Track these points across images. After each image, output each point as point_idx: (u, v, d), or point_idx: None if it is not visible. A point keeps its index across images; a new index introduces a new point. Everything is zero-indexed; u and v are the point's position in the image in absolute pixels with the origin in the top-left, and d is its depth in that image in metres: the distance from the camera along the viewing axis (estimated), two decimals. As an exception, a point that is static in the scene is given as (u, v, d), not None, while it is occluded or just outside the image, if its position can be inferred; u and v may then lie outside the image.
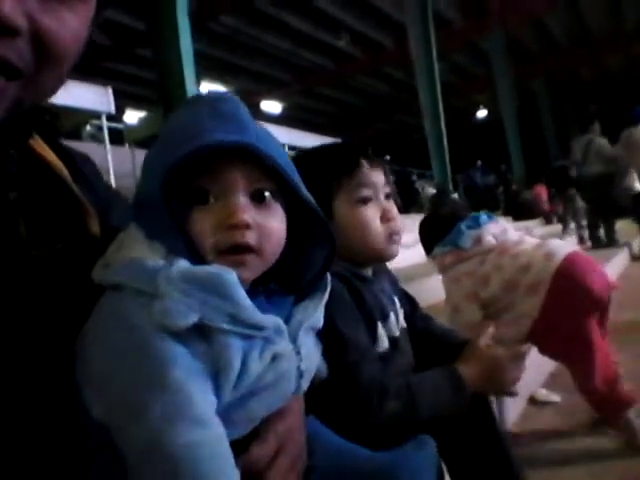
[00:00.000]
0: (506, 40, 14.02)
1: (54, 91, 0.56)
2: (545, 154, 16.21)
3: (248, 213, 0.54)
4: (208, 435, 0.47)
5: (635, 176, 6.02)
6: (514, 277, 1.72)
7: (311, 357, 0.60)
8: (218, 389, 0.50)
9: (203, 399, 0.48)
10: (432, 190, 10.80)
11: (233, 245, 0.54)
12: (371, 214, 0.98)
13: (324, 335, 0.69)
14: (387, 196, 1.02)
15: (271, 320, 0.54)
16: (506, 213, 10.50)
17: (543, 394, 2.10)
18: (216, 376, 0.50)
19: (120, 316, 0.50)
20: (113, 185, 0.76)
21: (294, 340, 0.57)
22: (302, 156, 1.09)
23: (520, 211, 10.09)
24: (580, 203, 7.21)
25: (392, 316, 1.01)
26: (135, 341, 0.49)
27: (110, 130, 6.68)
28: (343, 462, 0.68)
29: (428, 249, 1.95)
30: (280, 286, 0.62)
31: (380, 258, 1.03)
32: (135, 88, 13.60)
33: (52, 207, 0.57)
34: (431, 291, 2.90)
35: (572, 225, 7.99)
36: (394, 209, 1.02)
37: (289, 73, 15.40)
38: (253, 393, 0.53)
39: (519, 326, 1.71)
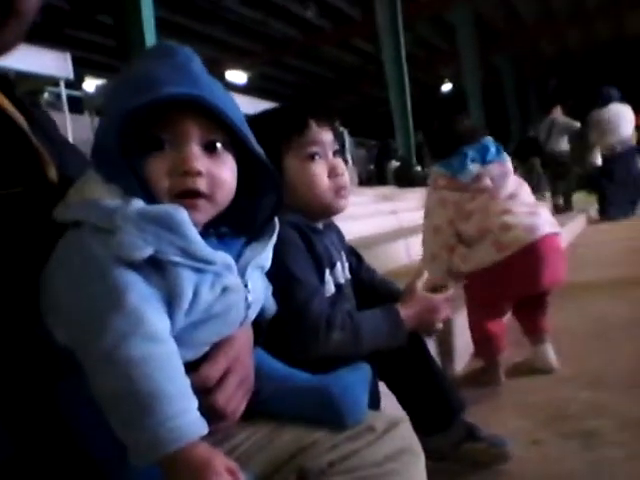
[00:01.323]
0: (472, 15, 14.07)
1: (15, 44, 0.62)
2: (507, 128, 16.49)
3: (200, 161, 0.60)
4: (160, 349, 0.53)
5: (598, 153, 6.90)
6: (492, 228, 1.86)
7: (258, 291, 0.68)
8: (172, 314, 0.56)
9: (157, 319, 0.54)
10: (396, 163, 10.91)
11: (185, 190, 0.59)
12: (319, 170, 1.06)
13: (277, 276, 0.78)
14: (335, 153, 1.10)
15: (220, 256, 0.60)
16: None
17: None
18: (170, 303, 0.56)
19: (80, 248, 0.56)
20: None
21: (242, 275, 0.64)
22: (255, 116, 1.15)
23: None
24: (540, 171, 7.88)
25: (339, 265, 1.11)
26: (94, 270, 0.54)
27: (69, 98, 6.54)
28: (284, 383, 0.76)
29: (433, 154, 2.06)
30: (233, 229, 0.68)
31: (329, 211, 1.11)
32: (95, 56, 13.21)
33: (11, 155, 0.62)
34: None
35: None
36: (342, 165, 1.10)
37: (255, 43, 15.14)
38: (205, 320, 0.61)
39: (465, 263, 1.90)
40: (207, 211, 0.62)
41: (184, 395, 0.53)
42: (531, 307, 2.03)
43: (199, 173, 0.60)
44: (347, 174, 1.11)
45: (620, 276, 3.62)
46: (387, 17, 10.31)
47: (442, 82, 19.49)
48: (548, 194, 7.80)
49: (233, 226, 0.69)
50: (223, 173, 0.62)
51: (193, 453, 0.51)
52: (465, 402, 1.30)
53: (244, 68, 16.20)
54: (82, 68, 10.01)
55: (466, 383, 1.96)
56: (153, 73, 0.59)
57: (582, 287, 3.30)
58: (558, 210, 7.21)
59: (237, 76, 16.98)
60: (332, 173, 1.08)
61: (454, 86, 18.42)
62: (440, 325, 1.19)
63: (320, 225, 1.13)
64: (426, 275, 1.22)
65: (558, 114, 7.34)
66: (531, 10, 15.12)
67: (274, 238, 0.71)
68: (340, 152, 1.15)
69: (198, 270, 0.58)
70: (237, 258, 0.65)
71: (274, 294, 0.81)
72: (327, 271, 1.07)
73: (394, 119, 10.76)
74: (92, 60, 13.02)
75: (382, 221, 5.32)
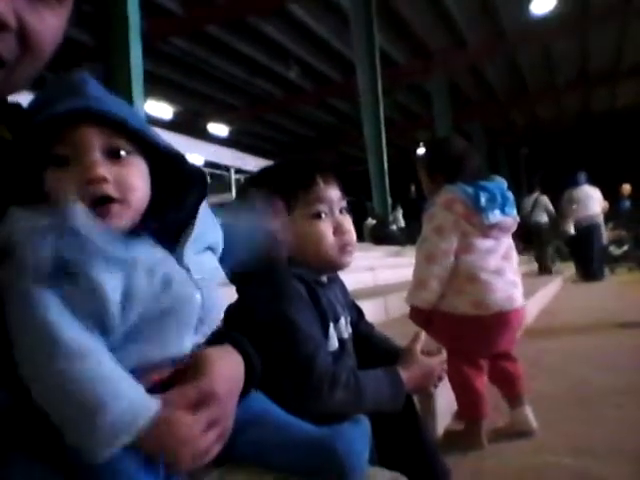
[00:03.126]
0: (448, 84, 14.71)
1: (28, 81, 0.64)
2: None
3: (103, 167, 0.61)
4: (82, 364, 0.54)
5: (571, 223, 8.64)
6: (479, 279, 1.85)
7: (204, 266, 0.68)
8: (100, 318, 0.57)
9: (74, 335, 0.55)
10: (372, 221, 11.10)
11: (94, 198, 0.60)
12: (325, 228, 1.07)
13: (281, 328, 0.78)
14: (342, 210, 1.11)
15: (142, 251, 0.62)
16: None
17: None
18: (93, 307, 0.57)
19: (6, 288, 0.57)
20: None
21: (180, 262, 0.65)
22: (261, 172, 1.18)
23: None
24: None
25: (342, 320, 1.11)
26: (16, 302, 0.56)
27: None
28: (288, 433, 0.75)
29: (436, 169, 1.96)
30: (163, 227, 0.67)
31: (334, 267, 1.12)
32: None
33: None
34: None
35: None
36: (348, 222, 1.11)
37: (239, 98, 15.50)
38: (158, 315, 0.61)
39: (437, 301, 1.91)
40: (123, 215, 0.62)
41: (118, 395, 0.55)
42: (506, 370, 2.04)
43: (104, 179, 0.61)
44: (353, 231, 1.13)
45: (597, 343, 3.69)
46: (367, 81, 10.69)
47: (417, 146, 20.12)
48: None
49: (164, 225, 0.68)
50: (131, 178, 0.63)
51: (153, 430, 0.56)
52: (450, 471, 1.28)
53: (226, 122, 16.50)
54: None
55: (446, 445, 1.94)
56: (47, 98, 0.62)
57: (560, 353, 3.34)
58: (541, 272, 8.91)
59: (219, 129, 17.28)
60: (338, 230, 1.09)
61: (429, 150, 18.95)
62: (434, 389, 1.20)
63: (325, 278, 1.14)
64: (423, 338, 1.23)
65: (538, 194, 9.02)
66: (503, 83, 15.90)
67: (203, 206, 0.70)
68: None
69: (120, 267, 0.59)
70: (172, 246, 0.66)
71: (276, 347, 0.81)
72: (331, 325, 1.07)
73: (371, 179, 10.99)
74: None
75: (359, 277, 5.35)
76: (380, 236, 10.06)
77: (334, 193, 1.10)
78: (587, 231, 8.59)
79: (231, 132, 17.16)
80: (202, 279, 0.67)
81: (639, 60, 14.12)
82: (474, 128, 18.34)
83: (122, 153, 0.63)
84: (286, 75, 13.72)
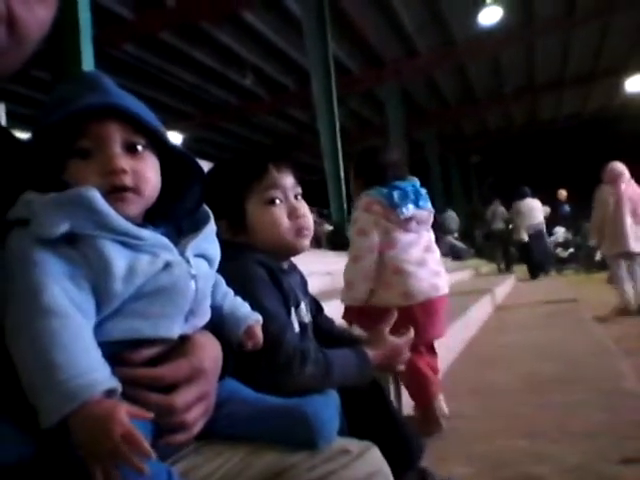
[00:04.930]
0: (401, 92, 14.98)
1: (12, 71, 0.66)
2: (432, 200, 17.24)
3: (124, 161, 0.67)
4: (52, 322, 0.57)
5: (523, 231, 10.40)
6: (404, 271, 1.99)
7: (203, 272, 0.73)
8: (102, 287, 0.61)
9: (54, 294, 0.58)
10: (329, 227, 11.16)
11: (113, 187, 0.66)
12: (279, 213, 1.11)
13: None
14: (297, 196, 1.15)
15: (151, 235, 0.67)
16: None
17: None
18: (97, 276, 0.61)
19: (9, 250, 0.61)
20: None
21: (182, 254, 0.70)
22: (217, 164, 1.21)
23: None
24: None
25: (303, 305, 1.14)
26: (9, 260, 0.60)
27: None
28: (258, 405, 0.78)
29: (360, 174, 2.13)
30: (164, 222, 0.75)
31: (290, 251, 1.15)
32: (26, 109, 12.94)
33: None
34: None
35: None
36: (304, 207, 1.15)
37: (193, 106, 15.36)
38: (154, 292, 0.65)
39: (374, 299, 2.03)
40: (136, 204, 0.68)
41: (77, 362, 0.56)
42: (428, 356, 2.15)
43: (124, 171, 0.66)
44: (309, 215, 1.16)
45: (541, 339, 3.83)
46: (322, 90, 10.77)
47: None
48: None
49: (164, 220, 0.75)
50: (146, 171, 0.69)
51: (93, 409, 0.54)
52: (424, 444, 1.32)
53: (180, 130, 16.32)
54: (12, 120, 9.76)
55: None
56: (66, 94, 0.67)
57: (509, 348, 3.45)
58: (500, 271, 11.48)
59: (172, 137, 17.06)
60: (293, 215, 1.12)
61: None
62: (402, 366, 1.24)
63: (285, 265, 1.16)
64: (394, 318, 1.27)
65: (497, 204, 11.48)
66: (455, 92, 16.31)
67: (210, 225, 0.77)
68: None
69: (128, 246, 0.64)
70: (176, 244, 0.71)
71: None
72: (292, 309, 1.10)
73: (328, 186, 11.06)
74: (23, 113, 12.72)
75: (317, 281, 5.37)
76: (337, 242, 10.13)
77: (288, 180, 1.14)
78: (533, 237, 10.35)
79: (185, 140, 16.97)
80: (199, 275, 0.71)
81: (582, 70, 14.76)
82: (427, 136, 18.71)
83: (139, 148, 0.69)
84: (241, 83, 13.69)
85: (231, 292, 0.87)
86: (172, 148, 0.73)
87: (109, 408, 0.54)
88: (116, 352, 0.63)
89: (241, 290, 1.00)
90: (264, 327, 0.98)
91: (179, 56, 12.17)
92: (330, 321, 1.34)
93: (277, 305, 1.05)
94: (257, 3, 10.28)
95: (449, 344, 3.20)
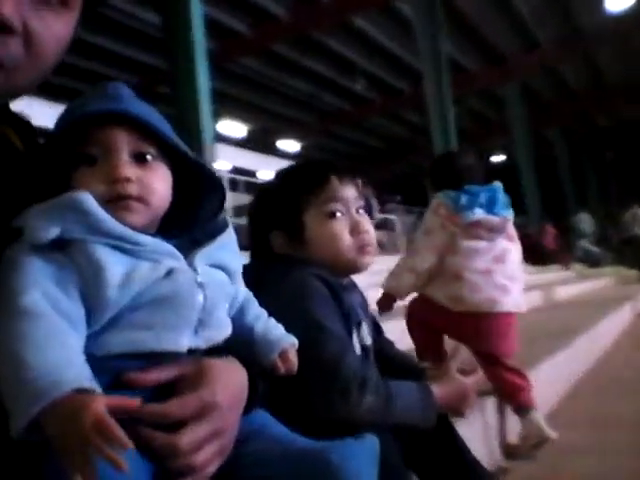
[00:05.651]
0: (522, 88, 14.21)
1: (31, 86, 0.66)
2: (563, 206, 16.20)
3: (129, 169, 0.64)
4: (25, 324, 0.55)
5: None
6: (463, 278, 1.88)
7: (215, 281, 0.68)
8: (94, 293, 0.59)
9: (38, 298, 0.56)
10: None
11: (117, 195, 0.63)
12: (340, 227, 1.03)
13: (302, 325, 0.72)
14: (359, 210, 1.07)
15: (153, 241, 0.63)
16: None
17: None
18: (87, 283, 0.59)
19: (3, 257, 0.60)
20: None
21: (190, 263, 0.66)
22: (277, 174, 1.16)
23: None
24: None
25: (364, 325, 1.05)
26: (6, 265, 0.59)
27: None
28: (285, 445, 0.69)
29: (435, 182, 2.08)
30: (179, 232, 0.71)
31: (351, 269, 1.06)
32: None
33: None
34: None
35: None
36: (366, 222, 1.06)
37: (308, 114, 15.72)
38: (155, 301, 0.62)
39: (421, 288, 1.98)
40: (142, 213, 0.65)
41: (47, 360, 0.53)
42: (505, 380, 1.96)
43: (128, 179, 0.63)
44: (372, 231, 1.07)
45: None
46: (434, 90, 10.52)
47: (492, 153, 19.50)
48: None
49: (179, 230, 0.71)
50: (154, 181, 0.66)
51: (65, 404, 0.50)
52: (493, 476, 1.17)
53: (297, 138, 16.78)
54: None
55: None
56: (78, 102, 0.66)
57: None
58: None
59: (290, 145, 17.57)
60: (355, 230, 1.04)
61: (507, 158, 18.33)
62: (469, 410, 1.10)
63: (344, 282, 1.07)
64: (463, 355, 1.14)
65: (637, 208, 10.91)
66: (582, 82, 15.16)
67: (228, 235, 0.72)
68: (367, 210, 1.11)
69: (126, 251, 0.61)
70: (187, 254, 0.67)
71: (300, 348, 0.75)
72: (354, 330, 1.01)
73: (442, 188, 10.76)
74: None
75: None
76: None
77: (350, 192, 1.06)
78: None
79: (302, 147, 17.41)
80: (207, 283, 0.66)
81: None
82: (554, 132, 17.56)
83: (148, 157, 0.66)
84: (353, 88, 13.77)
85: (265, 313, 0.80)
86: (187, 157, 0.70)
87: (83, 400, 0.50)
88: (121, 368, 0.60)
89: (296, 307, 0.94)
90: (321, 346, 0.90)
91: (293, 66, 12.52)
92: (391, 344, 1.22)
93: (338, 324, 0.95)
94: (372, 9, 10.28)
95: (568, 364, 2.90)
